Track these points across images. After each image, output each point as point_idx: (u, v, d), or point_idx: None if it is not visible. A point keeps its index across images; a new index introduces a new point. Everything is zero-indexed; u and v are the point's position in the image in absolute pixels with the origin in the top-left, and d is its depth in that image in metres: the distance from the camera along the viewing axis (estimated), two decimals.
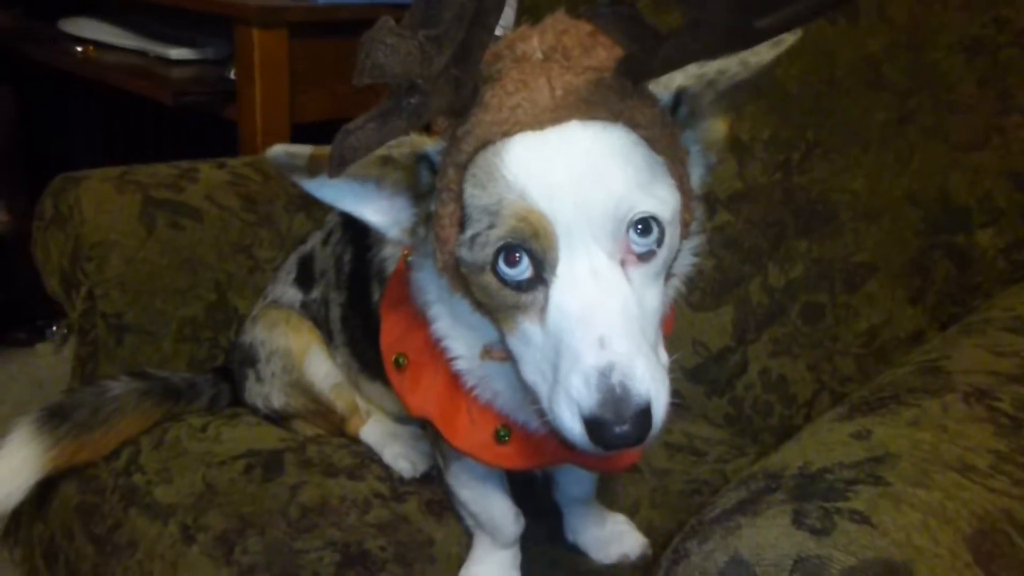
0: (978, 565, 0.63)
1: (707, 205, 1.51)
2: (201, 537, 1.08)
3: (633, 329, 0.69)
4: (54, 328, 3.14)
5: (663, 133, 0.73)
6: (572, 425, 0.69)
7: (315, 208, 1.57)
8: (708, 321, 1.46)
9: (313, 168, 0.74)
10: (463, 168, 0.72)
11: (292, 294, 1.34)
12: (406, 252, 0.95)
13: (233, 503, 1.12)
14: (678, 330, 1.42)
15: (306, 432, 1.32)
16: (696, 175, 0.80)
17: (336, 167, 0.68)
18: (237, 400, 1.39)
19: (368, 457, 1.26)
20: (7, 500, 1.21)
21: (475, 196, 0.71)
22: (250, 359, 1.33)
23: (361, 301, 1.15)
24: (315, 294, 1.31)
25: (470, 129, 0.71)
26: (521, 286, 0.72)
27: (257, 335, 1.32)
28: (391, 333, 0.96)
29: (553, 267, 0.70)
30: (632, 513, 1.18)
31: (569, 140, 0.70)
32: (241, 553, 1.04)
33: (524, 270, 0.71)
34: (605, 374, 0.67)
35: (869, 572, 0.61)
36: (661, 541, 1.11)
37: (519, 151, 0.70)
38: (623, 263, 0.71)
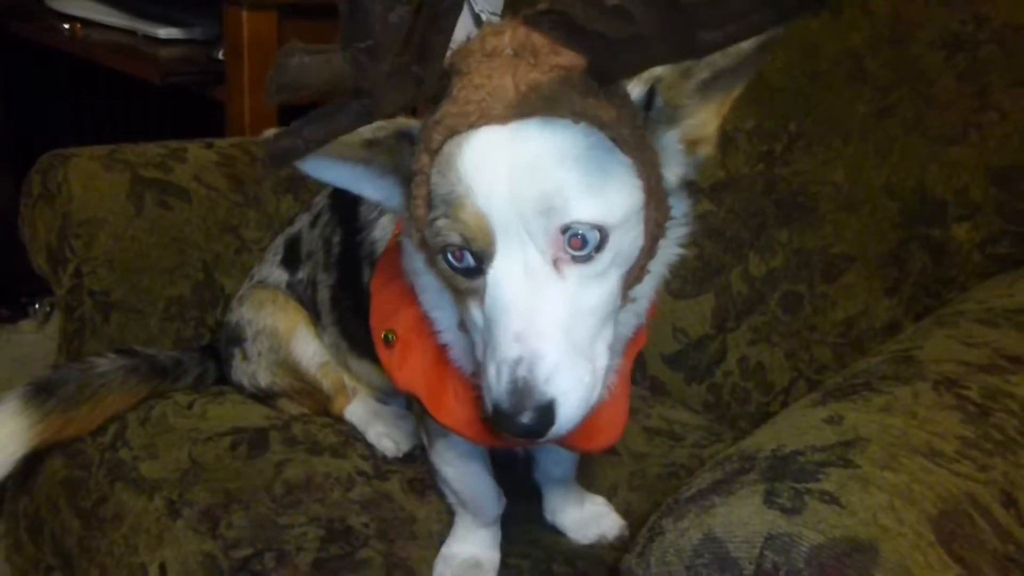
0: (941, 544, 0.66)
1: (689, 194, 1.53)
2: (186, 512, 1.09)
3: (555, 328, 0.71)
4: (36, 305, 3.13)
5: (631, 134, 0.73)
6: (487, 408, 0.72)
7: (302, 190, 1.58)
8: (688, 309, 1.49)
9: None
10: (434, 154, 0.74)
11: (279, 275, 1.35)
12: (397, 231, 0.97)
13: (218, 479, 1.14)
14: (658, 317, 1.44)
15: (291, 411, 1.34)
16: (675, 174, 0.80)
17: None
18: (223, 378, 1.41)
19: (352, 436, 1.28)
20: None
21: (437, 184, 0.74)
22: (237, 338, 1.34)
23: (351, 281, 1.17)
24: (301, 275, 1.33)
25: (439, 119, 0.73)
26: (468, 272, 0.75)
27: (244, 315, 1.34)
28: (381, 311, 0.97)
29: (491, 260, 0.72)
30: (610, 495, 1.21)
31: (520, 138, 0.71)
32: (226, 528, 1.06)
33: (468, 261, 0.74)
34: (513, 367, 0.70)
35: (836, 550, 0.63)
36: (638, 523, 1.13)
37: (476, 145, 0.72)
38: (556, 262, 0.72)
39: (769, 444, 0.79)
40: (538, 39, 0.73)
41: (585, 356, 0.73)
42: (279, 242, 1.39)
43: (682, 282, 1.50)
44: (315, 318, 1.32)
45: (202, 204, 1.46)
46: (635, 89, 0.76)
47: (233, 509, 1.09)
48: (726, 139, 1.49)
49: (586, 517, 1.14)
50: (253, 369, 1.34)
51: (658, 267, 0.86)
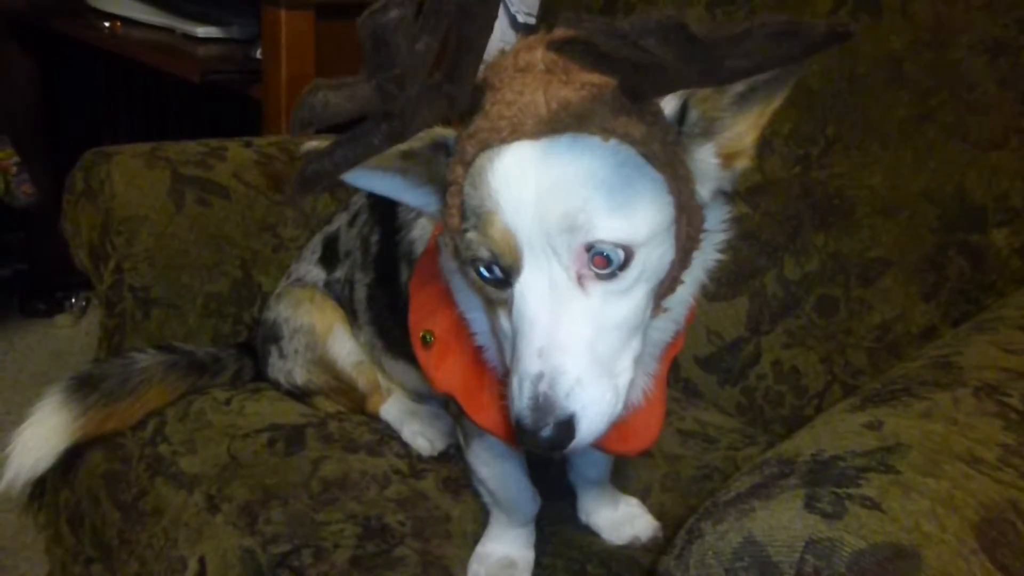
0: (983, 552, 0.66)
1: (727, 200, 1.53)
2: (225, 507, 1.11)
3: (577, 344, 0.72)
4: (73, 300, 3.18)
5: (663, 149, 0.73)
6: (511, 418, 0.74)
7: (339, 189, 1.60)
8: (723, 311, 1.48)
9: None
10: (467, 166, 0.75)
11: (316, 273, 1.37)
12: (436, 232, 0.98)
13: (256, 475, 1.16)
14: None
15: (327, 408, 1.35)
16: (709, 188, 0.79)
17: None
18: (259, 375, 1.42)
19: (387, 434, 1.29)
20: (36, 466, 1.24)
21: (470, 195, 0.75)
22: (274, 336, 1.36)
23: (389, 281, 1.18)
24: (339, 274, 1.34)
25: (473, 132, 0.74)
26: (497, 284, 0.76)
27: (281, 312, 1.35)
28: (419, 311, 0.98)
29: (518, 274, 0.74)
30: (644, 497, 1.21)
31: (549, 155, 0.72)
32: (265, 523, 1.07)
33: (497, 273, 0.76)
34: (534, 382, 0.71)
35: (878, 555, 0.63)
36: (672, 525, 1.13)
37: (506, 160, 0.72)
38: (581, 279, 0.73)
39: (808, 449, 0.79)
40: None
41: (608, 371, 0.74)
42: (317, 240, 1.40)
43: (716, 284, 1.49)
44: (351, 317, 1.33)
45: (241, 202, 1.48)
46: (669, 103, 0.76)
47: (271, 505, 1.10)
48: (762, 143, 1.48)
49: (620, 518, 1.15)
50: (289, 367, 1.35)
51: (696, 273, 0.86)
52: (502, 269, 0.75)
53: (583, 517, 1.16)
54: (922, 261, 1.31)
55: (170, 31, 2.29)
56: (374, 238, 1.25)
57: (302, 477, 1.15)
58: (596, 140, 0.72)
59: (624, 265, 0.73)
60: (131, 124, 3.18)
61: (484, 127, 0.73)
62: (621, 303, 0.74)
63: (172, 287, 1.43)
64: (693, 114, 0.76)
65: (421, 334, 0.97)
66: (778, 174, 1.46)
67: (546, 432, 0.71)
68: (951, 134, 1.30)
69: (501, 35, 2.24)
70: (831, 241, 1.40)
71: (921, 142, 1.32)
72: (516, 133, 0.72)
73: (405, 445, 1.26)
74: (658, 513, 1.18)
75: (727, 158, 0.79)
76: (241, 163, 1.52)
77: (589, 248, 0.72)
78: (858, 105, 1.38)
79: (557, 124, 0.71)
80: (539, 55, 0.75)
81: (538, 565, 1.05)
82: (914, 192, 1.32)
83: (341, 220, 1.36)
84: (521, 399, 0.71)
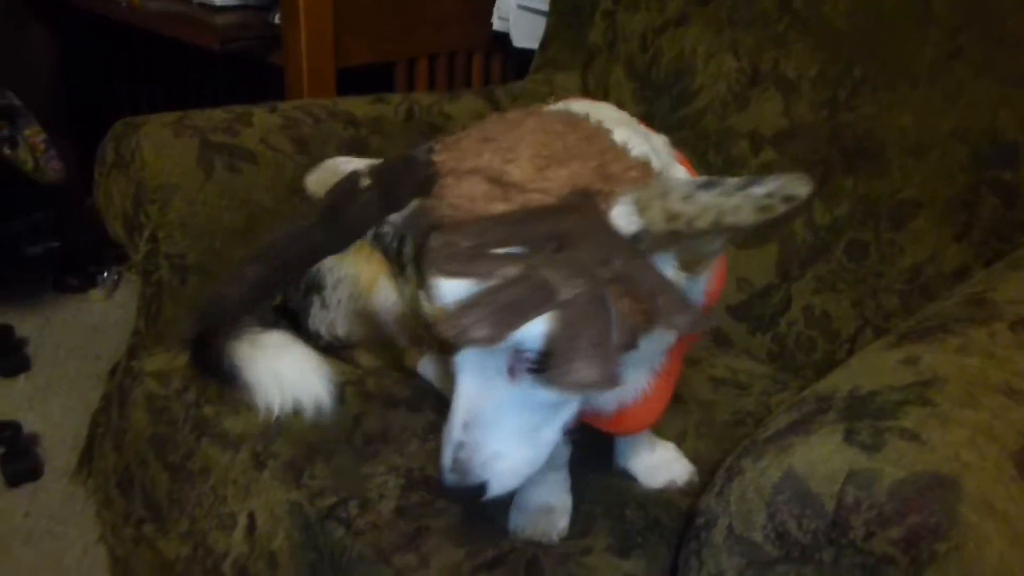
0: (1023, 478, 0.67)
1: (752, 143, 1.52)
2: (271, 464, 1.14)
3: (499, 422, 0.79)
4: (105, 274, 3.22)
5: None
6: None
7: (365, 151, 1.61)
8: (752, 258, 1.49)
9: None
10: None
11: None
12: None
13: (299, 432, 1.18)
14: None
15: (364, 363, 1.37)
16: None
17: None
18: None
19: (425, 390, 1.31)
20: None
21: (424, 269, 0.78)
22: (317, 285, 1.36)
23: None
24: (390, 227, 1.34)
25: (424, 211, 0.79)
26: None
27: (326, 262, 1.35)
28: None
29: (458, 351, 0.78)
30: (678, 443, 1.22)
31: None
32: (310, 478, 1.10)
33: None
34: (456, 450, 0.79)
35: (918, 484, 0.64)
36: (707, 469, 1.15)
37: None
38: (512, 370, 0.77)
39: (845, 385, 0.80)
40: (517, 172, 0.75)
41: (528, 443, 0.81)
42: None
43: (745, 233, 1.50)
44: (398, 271, 1.33)
45: (269, 167, 1.50)
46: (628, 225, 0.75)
47: (316, 460, 1.13)
48: (789, 87, 1.48)
49: (656, 463, 1.16)
50: (332, 317, 1.36)
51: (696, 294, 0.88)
52: None
53: (620, 463, 1.18)
54: (953, 201, 1.31)
55: (187, 1, 2.29)
56: None
57: (344, 433, 1.17)
58: None
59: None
60: (151, 96, 3.19)
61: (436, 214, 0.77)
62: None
63: (206, 253, 1.45)
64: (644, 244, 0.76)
65: None
66: (805, 118, 1.45)
67: (459, 490, 0.81)
68: (981, 71, 1.28)
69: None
70: (861, 184, 1.39)
71: (951, 80, 1.31)
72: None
73: (443, 400, 1.28)
74: (693, 458, 1.19)
75: (688, 265, 0.81)
76: (268, 128, 1.53)
77: (519, 349, 0.75)
78: (886, 45, 1.36)
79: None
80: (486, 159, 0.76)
81: (576, 510, 1.07)
82: (944, 131, 1.31)
83: None
84: (446, 458, 0.80)
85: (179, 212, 1.42)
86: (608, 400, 0.96)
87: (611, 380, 0.66)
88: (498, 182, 0.74)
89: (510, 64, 2.36)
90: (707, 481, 0.84)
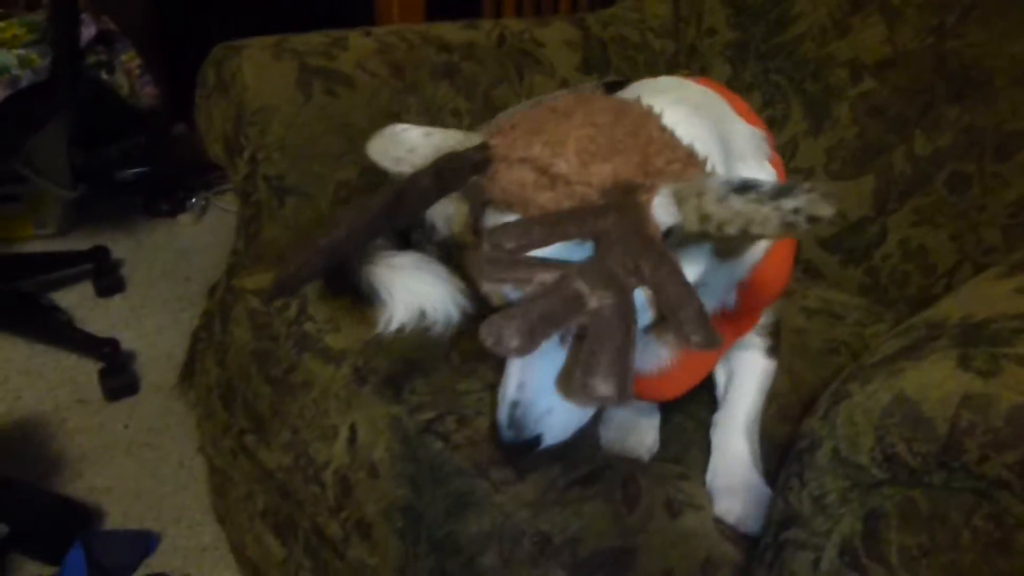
0: None
1: (852, 72, 1.49)
2: (372, 378, 1.18)
3: (550, 384, 0.80)
4: (193, 200, 3.32)
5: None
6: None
7: (458, 77, 1.61)
8: (847, 190, 1.46)
9: None
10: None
11: None
12: None
13: (398, 349, 1.21)
14: None
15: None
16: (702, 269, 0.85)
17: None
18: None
19: None
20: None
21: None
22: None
23: None
24: None
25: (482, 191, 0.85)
26: None
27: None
28: None
29: None
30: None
31: None
32: (409, 393, 1.14)
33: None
34: (511, 408, 0.87)
35: None
36: (803, 392, 1.15)
37: None
38: (563, 336, 0.82)
39: (956, 313, 0.79)
40: (563, 165, 0.80)
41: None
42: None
43: (841, 163, 1.48)
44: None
45: (365, 91, 1.51)
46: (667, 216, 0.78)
47: (414, 376, 1.16)
48: (893, 13, 1.43)
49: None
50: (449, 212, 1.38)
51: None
52: None
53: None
54: None
55: None
56: None
57: (441, 351, 1.20)
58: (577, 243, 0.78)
59: None
60: (238, 25, 3.22)
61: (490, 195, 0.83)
62: None
63: (304, 175, 1.48)
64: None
65: None
66: (909, 45, 1.41)
67: (512, 444, 0.88)
68: None
69: None
70: (966, 114, 1.35)
71: None
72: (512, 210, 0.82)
73: None
74: (789, 375, 1.18)
75: (725, 254, 0.86)
76: (363, 53, 1.54)
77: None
78: None
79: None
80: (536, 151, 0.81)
81: (666, 423, 1.09)
82: None
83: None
84: (502, 414, 0.87)
85: (278, 134, 1.45)
86: (647, 361, 0.98)
87: (625, 398, 0.70)
88: (546, 173, 0.80)
89: None
90: (807, 401, 0.84)
